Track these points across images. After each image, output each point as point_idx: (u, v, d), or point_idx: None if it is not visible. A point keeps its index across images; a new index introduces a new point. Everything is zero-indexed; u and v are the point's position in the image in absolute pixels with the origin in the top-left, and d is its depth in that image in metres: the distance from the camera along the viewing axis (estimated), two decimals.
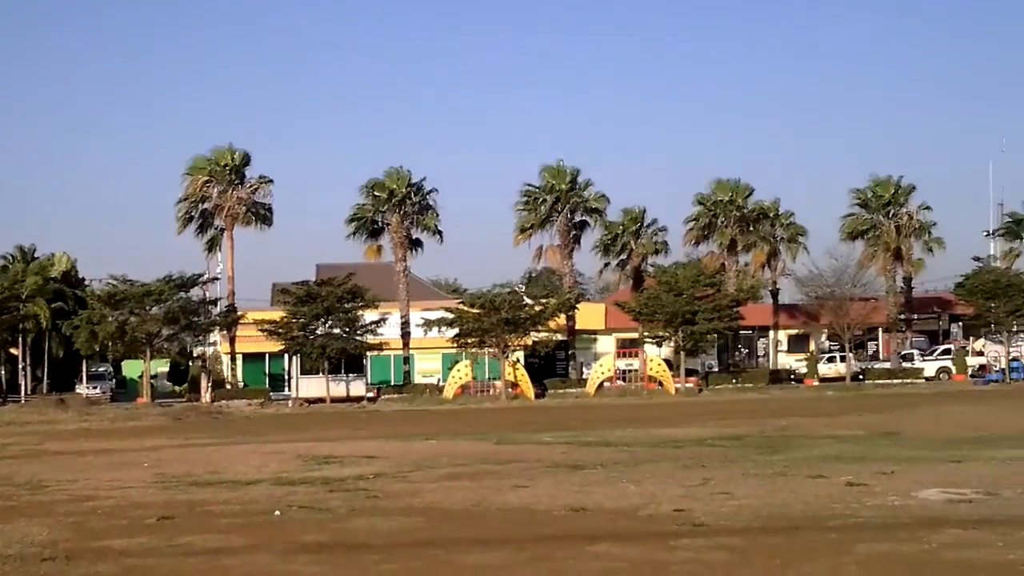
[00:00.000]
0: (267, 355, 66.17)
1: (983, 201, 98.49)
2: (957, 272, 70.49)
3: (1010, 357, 64.72)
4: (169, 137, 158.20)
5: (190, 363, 78.34)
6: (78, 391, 67.80)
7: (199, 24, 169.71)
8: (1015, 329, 65.98)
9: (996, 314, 64.47)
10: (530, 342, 62.85)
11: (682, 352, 62.67)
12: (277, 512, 16.90)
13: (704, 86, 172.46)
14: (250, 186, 67.28)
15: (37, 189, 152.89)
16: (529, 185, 70.63)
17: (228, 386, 64.66)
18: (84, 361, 70.46)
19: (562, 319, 65.54)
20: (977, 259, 71.11)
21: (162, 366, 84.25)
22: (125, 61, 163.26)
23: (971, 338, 72.90)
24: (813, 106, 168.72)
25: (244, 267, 69.00)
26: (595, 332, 74.08)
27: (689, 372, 64.22)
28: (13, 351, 71.51)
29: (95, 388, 68.17)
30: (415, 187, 68.44)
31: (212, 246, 67.83)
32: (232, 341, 65.85)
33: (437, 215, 69.22)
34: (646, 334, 64.23)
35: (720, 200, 71.25)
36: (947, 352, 69.13)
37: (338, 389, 60.85)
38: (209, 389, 62.46)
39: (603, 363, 64.16)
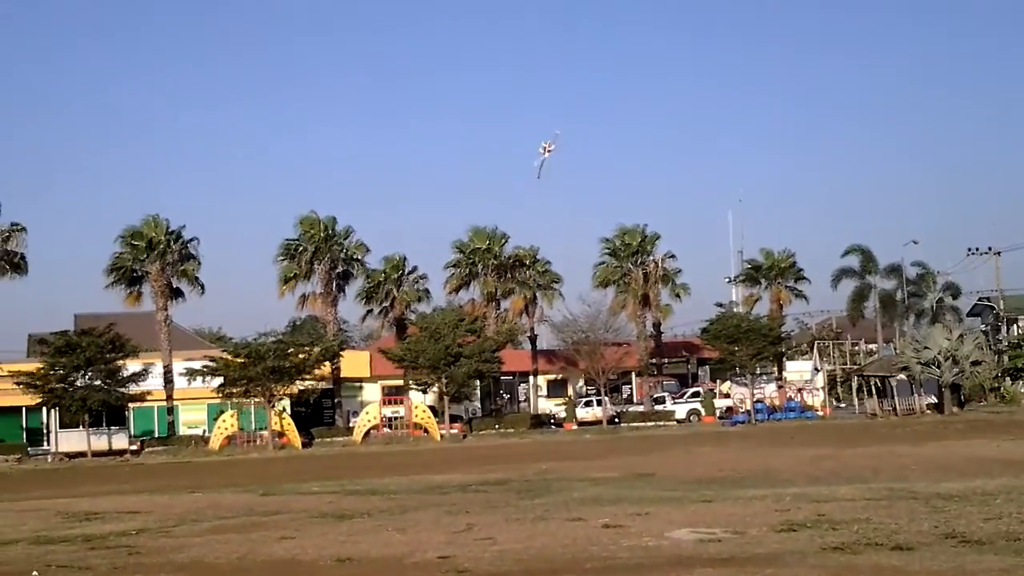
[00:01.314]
0: (24, 408, 63.72)
1: (725, 249, 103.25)
2: (704, 317, 73.66)
3: (754, 399, 67.82)
4: None
5: None
6: None
7: None
8: (758, 371, 69.25)
9: (740, 357, 67.08)
10: (296, 391, 62.65)
11: (446, 398, 63.45)
12: (35, 572, 16.60)
13: (459, 138, 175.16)
14: (1, 234, 64.82)
15: None
16: (288, 239, 70.42)
17: None
18: None
19: (327, 367, 65.50)
20: (720, 305, 74.54)
21: None
22: None
23: (718, 381, 75.86)
24: (567, 161, 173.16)
25: None
26: (360, 380, 74.01)
27: (453, 418, 65.02)
28: None
29: None
30: (174, 235, 67.33)
31: None
32: None
33: (198, 264, 68.27)
34: (410, 381, 64.84)
35: (478, 248, 72.46)
36: (696, 395, 71.85)
37: (100, 442, 59.16)
38: None
39: (369, 411, 64.32)
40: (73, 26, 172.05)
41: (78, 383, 58.53)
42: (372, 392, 72.50)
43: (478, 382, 68.59)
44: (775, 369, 73.38)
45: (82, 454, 57.57)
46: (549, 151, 77.05)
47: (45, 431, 63.72)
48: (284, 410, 62.66)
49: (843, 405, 74.47)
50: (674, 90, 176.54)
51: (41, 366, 58.78)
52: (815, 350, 77.26)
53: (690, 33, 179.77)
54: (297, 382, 61.59)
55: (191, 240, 68.06)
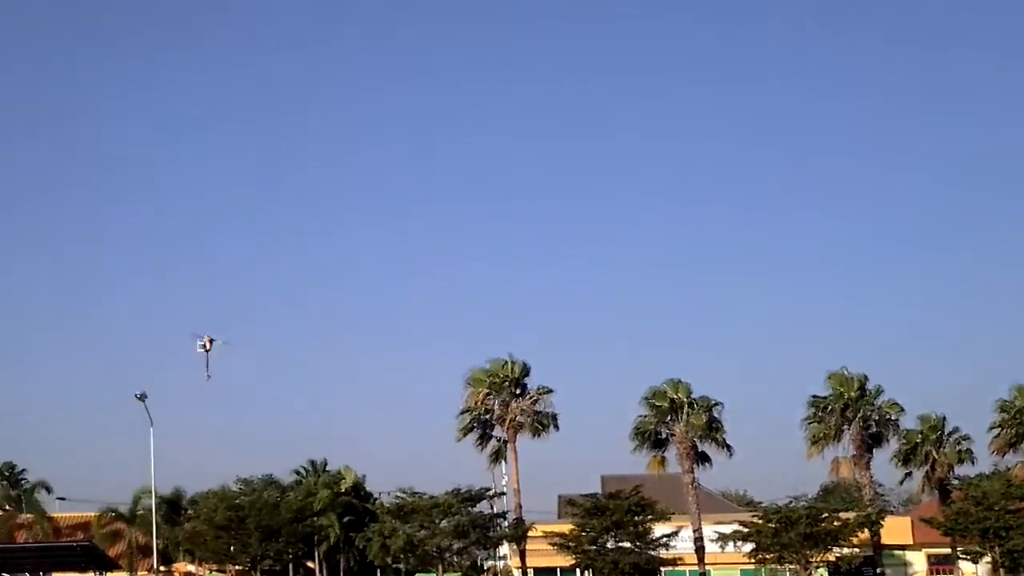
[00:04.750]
0: (558, 569, 64.86)
1: None
2: None
3: None
4: (445, 349, 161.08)
5: None
6: None
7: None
8: None
9: None
10: (833, 557, 59.65)
11: (1001, 570, 58.03)
12: None
13: (988, 288, 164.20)
14: (531, 397, 66.54)
15: (326, 406, 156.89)
16: (816, 396, 67.61)
17: None
18: (377, 574, 70.55)
19: (865, 534, 61.84)
20: None
21: None
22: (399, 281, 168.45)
23: None
24: None
25: (525, 478, 68.66)
26: (903, 547, 69.95)
27: None
28: (309, 564, 72.37)
29: None
30: (697, 398, 65.97)
31: (497, 458, 67.16)
32: (522, 555, 64.21)
33: (723, 428, 66.35)
34: (959, 550, 59.95)
35: None
36: None
37: None
38: None
39: None
40: None
41: (608, 545, 58.51)
42: (916, 561, 68.34)
43: None
44: None
45: None
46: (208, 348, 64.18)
47: None
48: None
49: None
50: None
51: (572, 527, 59.41)
52: None
53: None
54: (834, 549, 58.56)
55: (715, 404, 66.57)
